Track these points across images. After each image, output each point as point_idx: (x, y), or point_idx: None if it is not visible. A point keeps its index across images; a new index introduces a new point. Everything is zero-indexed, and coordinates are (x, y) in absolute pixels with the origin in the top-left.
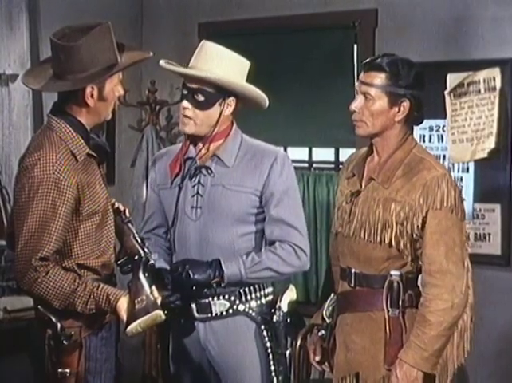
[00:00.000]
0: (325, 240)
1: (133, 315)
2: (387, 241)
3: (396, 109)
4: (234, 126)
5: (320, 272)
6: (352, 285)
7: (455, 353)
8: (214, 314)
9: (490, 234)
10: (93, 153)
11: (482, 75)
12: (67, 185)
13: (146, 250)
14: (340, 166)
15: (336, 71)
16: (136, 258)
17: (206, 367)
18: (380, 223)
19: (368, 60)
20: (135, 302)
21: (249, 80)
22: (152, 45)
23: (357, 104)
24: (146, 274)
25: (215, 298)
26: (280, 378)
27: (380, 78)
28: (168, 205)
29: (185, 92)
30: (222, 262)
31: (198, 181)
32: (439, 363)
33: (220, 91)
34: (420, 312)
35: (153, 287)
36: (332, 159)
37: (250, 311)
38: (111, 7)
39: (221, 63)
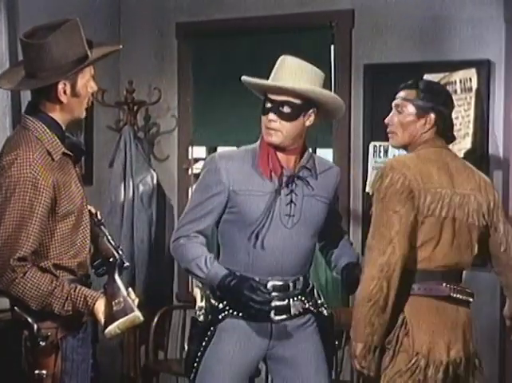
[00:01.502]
0: None
1: (111, 317)
2: None
3: (423, 121)
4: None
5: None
6: None
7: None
8: (291, 315)
9: None
10: (69, 152)
11: (458, 76)
12: (44, 185)
13: (120, 252)
14: None
15: None
16: (111, 260)
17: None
18: None
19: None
20: (113, 303)
21: (226, 80)
22: (130, 45)
23: (389, 117)
24: (121, 276)
25: (291, 300)
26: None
27: (412, 93)
28: (253, 211)
29: (269, 105)
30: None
31: (292, 190)
32: (370, 334)
33: (305, 102)
34: None
35: (130, 289)
36: None
37: (312, 308)
38: (88, 7)
39: (302, 75)
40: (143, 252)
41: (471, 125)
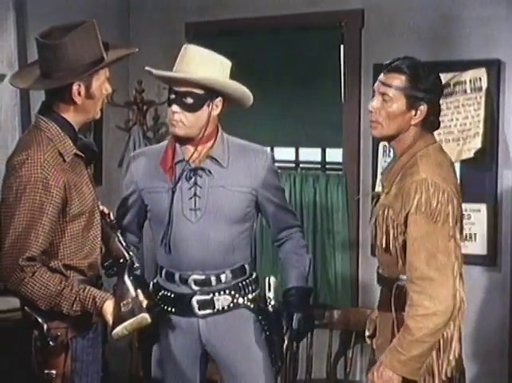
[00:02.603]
0: (311, 241)
1: (119, 318)
2: (386, 246)
3: (413, 112)
4: (219, 127)
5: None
6: (379, 284)
7: (441, 362)
8: (216, 310)
9: (475, 235)
10: (81, 153)
11: (468, 75)
12: (54, 185)
13: (131, 253)
14: (327, 166)
15: (322, 71)
16: (121, 261)
17: (202, 364)
18: (380, 229)
19: (388, 61)
20: (121, 304)
21: (235, 80)
22: (139, 46)
23: (374, 104)
24: (131, 277)
25: (217, 294)
26: (278, 365)
27: (399, 80)
28: (159, 208)
29: (172, 96)
30: (301, 289)
31: (195, 183)
32: (421, 369)
33: (208, 92)
34: (404, 317)
35: (139, 290)
36: (319, 159)
37: (249, 303)
38: (98, 7)
39: (205, 64)
40: (152, 252)
41: (481, 125)
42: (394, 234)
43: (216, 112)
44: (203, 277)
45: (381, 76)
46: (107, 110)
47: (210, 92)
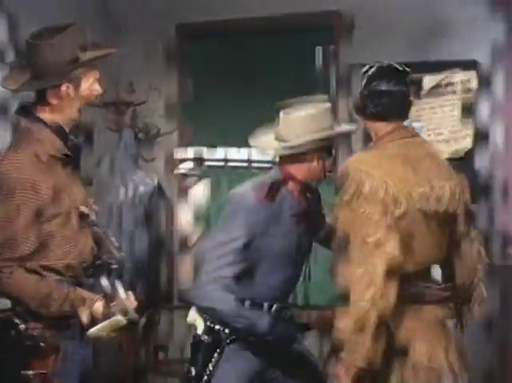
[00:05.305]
0: None
1: (93, 319)
2: None
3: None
4: None
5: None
6: None
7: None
8: None
9: None
10: (65, 153)
11: (458, 76)
12: (30, 186)
13: (114, 252)
14: None
15: (310, 73)
16: (99, 262)
17: None
18: None
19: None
20: (110, 306)
21: (225, 80)
22: (130, 45)
23: None
24: (114, 277)
25: None
26: None
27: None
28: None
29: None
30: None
31: None
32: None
33: None
34: None
35: (129, 292)
36: None
37: None
38: (90, 6)
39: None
40: (143, 252)
41: (471, 126)
42: None
43: None
44: None
45: None
46: (97, 111)
47: None
